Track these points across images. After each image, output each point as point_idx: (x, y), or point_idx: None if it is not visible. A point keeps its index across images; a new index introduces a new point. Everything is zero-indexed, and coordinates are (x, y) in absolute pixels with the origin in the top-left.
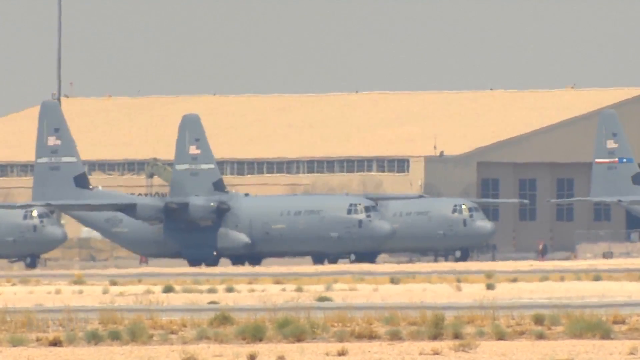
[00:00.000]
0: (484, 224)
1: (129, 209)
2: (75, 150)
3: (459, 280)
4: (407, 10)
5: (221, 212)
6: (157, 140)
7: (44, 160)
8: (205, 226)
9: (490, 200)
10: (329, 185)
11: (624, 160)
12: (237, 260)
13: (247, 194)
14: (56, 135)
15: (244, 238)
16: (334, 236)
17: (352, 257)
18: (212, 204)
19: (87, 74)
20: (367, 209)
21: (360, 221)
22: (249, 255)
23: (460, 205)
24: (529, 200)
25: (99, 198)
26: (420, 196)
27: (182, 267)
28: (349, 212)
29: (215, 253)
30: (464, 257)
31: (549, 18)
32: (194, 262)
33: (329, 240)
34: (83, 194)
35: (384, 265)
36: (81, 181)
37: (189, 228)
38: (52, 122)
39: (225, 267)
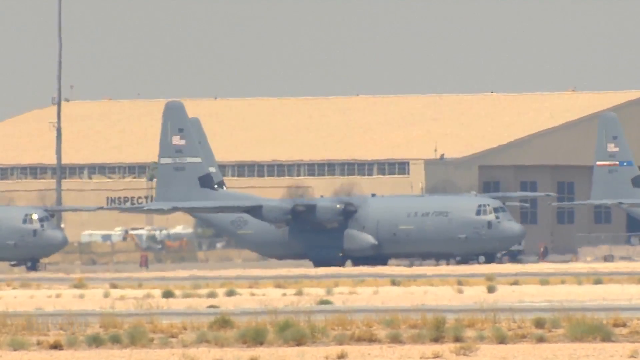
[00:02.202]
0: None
1: (255, 210)
2: (200, 151)
3: (460, 283)
4: (407, 13)
5: (348, 214)
6: (157, 143)
7: (168, 160)
8: (331, 227)
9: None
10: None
11: (625, 163)
12: (363, 261)
13: (373, 195)
14: (180, 135)
15: (370, 239)
16: (462, 237)
17: (482, 258)
18: (338, 205)
19: (88, 77)
20: (495, 210)
21: (489, 222)
22: (375, 256)
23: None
24: (529, 203)
25: (224, 199)
26: (548, 195)
27: (307, 268)
28: (478, 213)
29: (341, 254)
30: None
31: (550, 21)
32: (319, 264)
33: (457, 242)
34: (208, 195)
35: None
36: (206, 182)
37: (315, 230)
38: (176, 122)
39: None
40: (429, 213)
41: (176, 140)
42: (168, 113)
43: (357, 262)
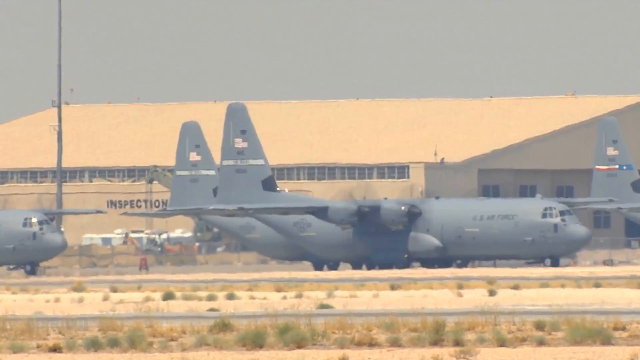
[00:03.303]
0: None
1: (320, 212)
2: (262, 153)
3: (460, 287)
4: (407, 17)
5: (412, 216)
6: (157, 146)
7: (230, 162)
8: (395, 230)
9: None
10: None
11: (624, 167)
12: (427, 263)
13: (437, 197)
14: (243, 138)
15: (435, 242)
16: (528, 240)
17: (547, 261)
18: (403, 207)
19: (88, 80)
20: (562, 213)
21: (555, 225)
22: (440, 258)
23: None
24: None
25: (286, 201)
26: (610, 200)
27: (373, 272)
28: (544, 216)
29: (405, 256)
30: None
31: (549, 26)
32: (383, 266)
33: (523, 245)
34: (271, 197)
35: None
36: (269, 184)
37: (379, 232)
38: (238, 124)
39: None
40: (495, 216)
41: (238, 142)
42: (230, 115)
43: (422, 264)
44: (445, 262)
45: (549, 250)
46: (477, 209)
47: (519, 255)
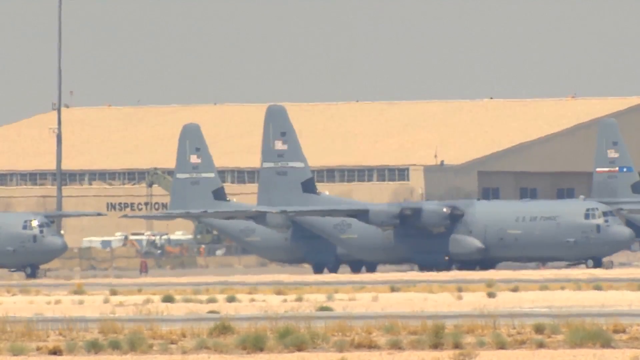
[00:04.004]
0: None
1: (361, 214)
2: (302, 155)
3: (459, 289)
4: (407, 20)
5: (454, 218)
6: (157, 149)
7: (270, 165)
8: (437, 232)
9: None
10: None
11: (624, 169)
12: (468, 266)
13: (478, 199)
14: (283, 140)
15: (477, 243)
16: (570, 242)
17: (590, 262)
18: (445, 209)
19: (87, 83)
20: (605, 214)
21: (598, 226)
22: (482, 260)
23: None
24: None
25: (327, 203)
26: None
27: (412, 273)
28: (587, 217)
29: (446, 258)
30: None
31: (549, 27)
32: (425, 268)
33: (566, 246)
34: (311, 200)
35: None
36: (309, 186)
37: (420, 234)
38: (278, 126)
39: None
40: (537, 217)
41: (278, 144)
42: (270, 117)
43: (463, 266)
44: (486, 264)
45: (591, 252)
46: (519, 210)
47: (561, 257)
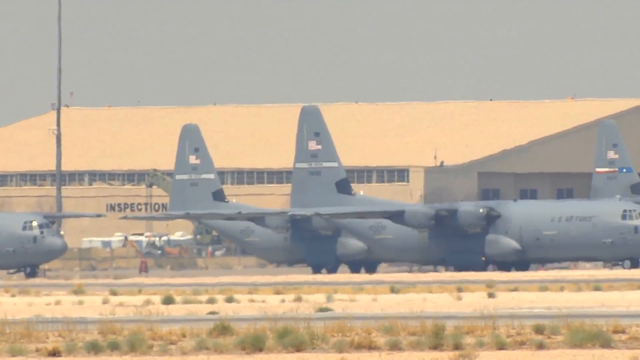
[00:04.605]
0: None
1: (396, 216)
2: (336, 155)
3: (459, 290)
4: (407, 21)
5: (490, 219)
6: (156, 150)
7: (303, 165)
8: (472, 233)
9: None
10: None
11: (624, 169)
12: (504, 266)
13: (515, 199)
14: (316, 140)
15: (513, 244)
16: (607, 242)
17: (627, 263)
18: (481, 210)
19: (88, 84)
20: None
21: (635, 227)
22: (518, 261)
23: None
24: None
25: (362, 204)
26: None
27: (449, 274)
28: (624, 217)
29: (483, 259)
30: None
31: (550, 29)
32: (460, 269)
33: (602, 247)
34: (345, 200)
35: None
36: (343, 187)
37: (456, 234)
38: (312, 126)
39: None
40: (573, 218)
41: (312, 144)
42: (304, 117)
43: (499, 267)
44: (522, 265)
45: (628, 252)
46: (555, 210)
47: (597, 257)
